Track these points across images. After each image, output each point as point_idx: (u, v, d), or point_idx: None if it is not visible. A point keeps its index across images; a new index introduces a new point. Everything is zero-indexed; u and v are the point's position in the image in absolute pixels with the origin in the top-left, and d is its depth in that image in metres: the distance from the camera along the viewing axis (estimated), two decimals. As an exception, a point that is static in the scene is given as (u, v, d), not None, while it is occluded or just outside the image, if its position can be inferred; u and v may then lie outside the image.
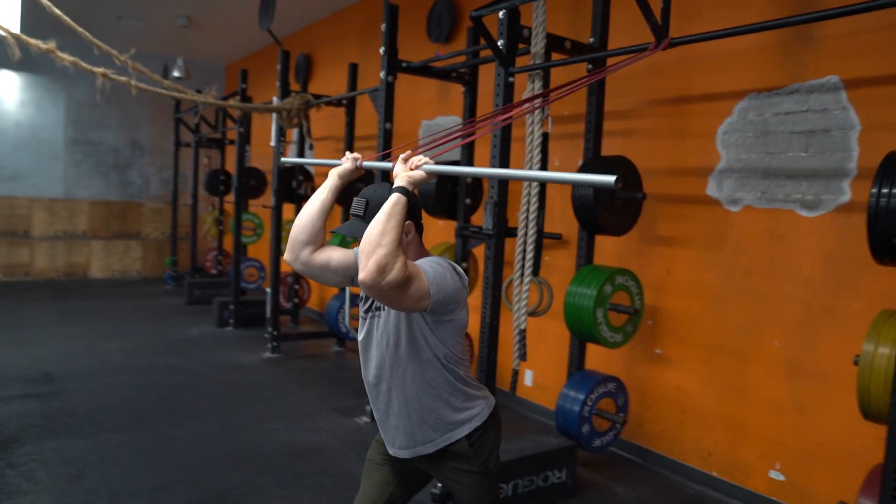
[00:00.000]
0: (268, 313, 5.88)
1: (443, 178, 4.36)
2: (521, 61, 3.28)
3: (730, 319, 3.28)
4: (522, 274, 3.14)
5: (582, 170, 3.26)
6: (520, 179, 1.48)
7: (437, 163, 1.68)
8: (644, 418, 3.69)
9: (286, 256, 1.86)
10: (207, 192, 8.31)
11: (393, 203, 1.56)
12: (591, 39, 3.35)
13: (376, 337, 1.79)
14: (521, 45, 3.17)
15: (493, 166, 3.08)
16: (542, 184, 3.36)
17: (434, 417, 1.79)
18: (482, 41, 3.66)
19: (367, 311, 1.82)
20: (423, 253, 1.83)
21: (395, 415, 1.81)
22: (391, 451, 1.87)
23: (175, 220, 8.95)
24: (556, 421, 3.41)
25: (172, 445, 3.57)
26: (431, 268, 1.65)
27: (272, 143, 5.80)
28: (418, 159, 1.67)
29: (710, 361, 3.37)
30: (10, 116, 8.71)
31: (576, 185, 3.24)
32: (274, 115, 5.57)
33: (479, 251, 4.46)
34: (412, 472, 1.93)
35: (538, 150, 3.05)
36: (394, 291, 1.51)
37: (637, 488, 3.33)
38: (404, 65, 4.02)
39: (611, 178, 1.26)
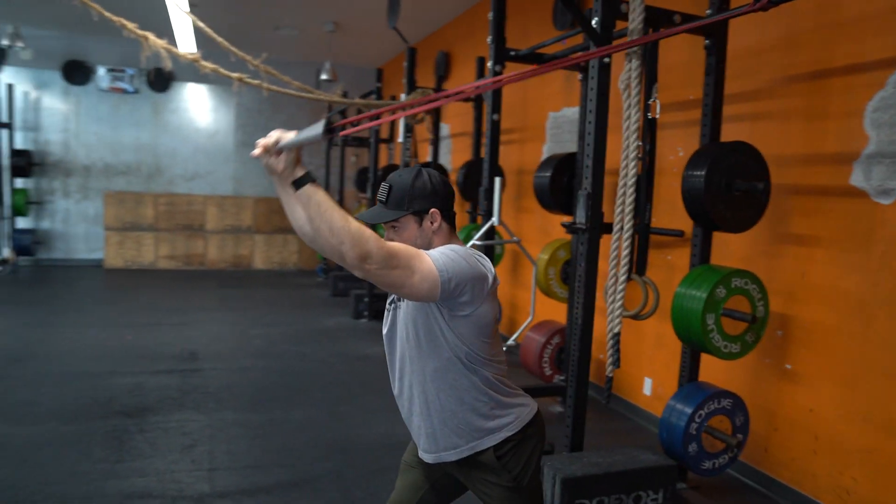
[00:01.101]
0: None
1: (559, 170, 4.15)
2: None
3: (876, 334, 2.74)
4: (618, 272, 2.86)
5: (691, 159, 2.91)
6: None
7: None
8: (771, 442, 3.22)
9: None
10: (356, 188, 8.69)
11: (306, 202, 1.36)
12: (708, 11, 2.97)
13: (399, 329, 1.70)
14: (621, 26, 2.91)
15: (587, 155, 2.85)
16: (649, 175, 3.06)
17: (456, 422, 1.65)
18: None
19: (390, 303, 1.74)
20: (451, 243, 1.68)
21: (416, 414, 1.71)
22: (419, 454, 1.77)
23: (326, 216, 9.53)
24: (660, 437, 3.09)
25: (279, 428, 3.74)
26: (441, 253, 1.52)
27: (399, 140, 5.92)
28: (270, 141, 1.38)
29: (850, 384, 2.85)
30: (192, 123, 9.79)
31: (685, 178, 2.90)
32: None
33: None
34: (444, 477, 1.81)
35: (635, 136, 2.76)
36: (391, 273, 1.41)
37: (753, 522, 2.91)
38: (512, 53, 3.87)
39: (319, 127, 0.97)
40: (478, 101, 5.85)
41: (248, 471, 3.18)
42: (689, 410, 2.96)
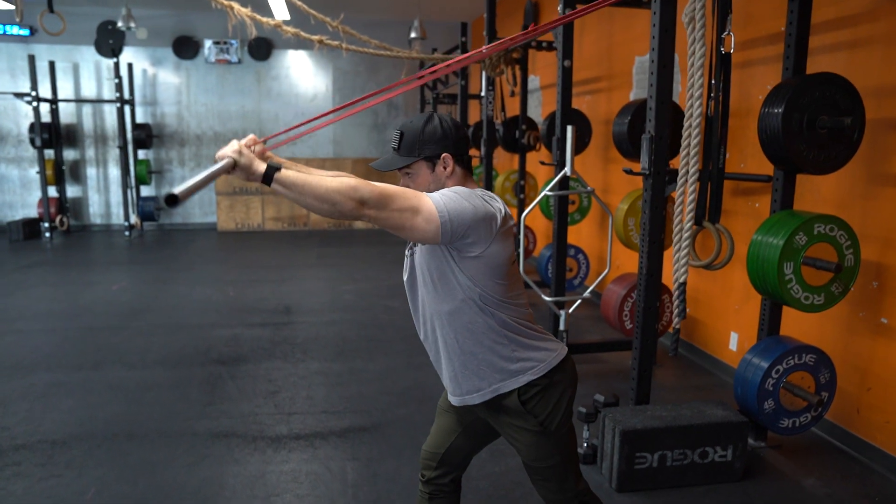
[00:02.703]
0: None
1: (636, 117, 3.96)
2: None
3: None
4: (683, 220, 2.71)
5: (770, 96, 2.67)
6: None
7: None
8: (862, 402, 2.97)
9: None
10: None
11: (284, 190, 1.39)
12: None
13: (418, 275, 1.71)
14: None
15: (650, 96, 2.69)
16: (723, 115, 2.85)
17: (476, 364, 1.66)
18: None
19: (409, 248, 1.75)
20: (467, 186, 1.66)
21: (442, 358, 1.73)
22: (448, 397, 1.80)
23: (420, 175, 9.66)
24: (734, 392, 2.94)
25: (359, 377, 3.91)
26: (443, 195, 1.51)
27: (482, 93, 5.84)
28: (227, 153, 1.39)
29: (954, 337, 2.56)
30: (292, 89, 10.16)
31: (761, 116, 2.67)
32: (481, 65, 5.59)
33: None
34: (476, 421, 1.83)
35: (699, 73, 2.56)
36: (393, 214, 1.43)
37: (834, 485, 2.72)
38: (583, -7, 3.69)
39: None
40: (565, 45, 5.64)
41: (323, 416, 3.36)
42: (765, 365, 2.78)
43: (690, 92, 2.60)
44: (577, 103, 5.75)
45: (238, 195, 9.88)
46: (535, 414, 1.66)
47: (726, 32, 2.77)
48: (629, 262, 4.93)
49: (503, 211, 1.58)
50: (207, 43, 9.70)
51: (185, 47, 9.69)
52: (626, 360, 4.14)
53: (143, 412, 3.38)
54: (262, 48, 9.84)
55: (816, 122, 2.60)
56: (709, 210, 2.95)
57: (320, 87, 10.24)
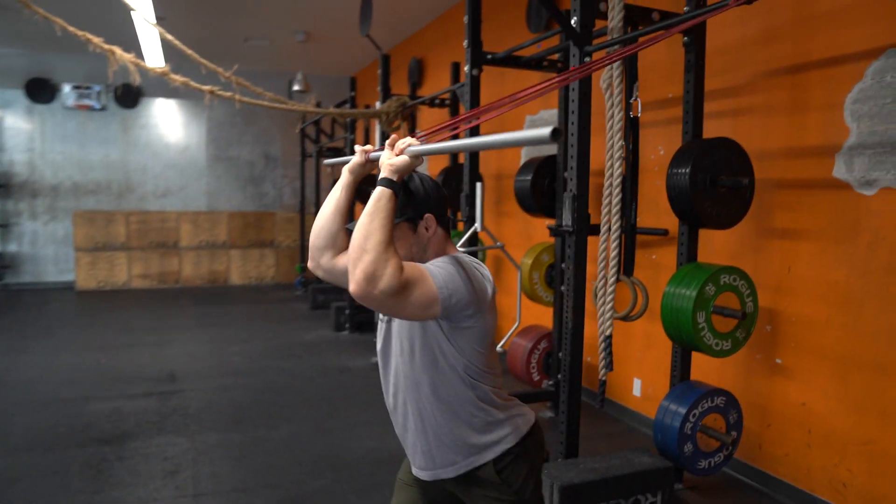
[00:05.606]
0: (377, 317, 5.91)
1: (539, 173, 4.12)
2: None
3: (866, 326, 2.74)
4: (607, 274, 2.83)
5: (675, 157, 2.89)
6: (473, 149, 1.26)
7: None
8: (764, 438, 3.20)
9: (309, 264, 1.73)
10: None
11: (375, 199, 1.37)
12: (686, 8, 2.96)
13: (393, 343, 1.62)
14: (600, 25, 2.88)
15: (571, 157, 2.81)
16: (633, 174, 3.04)
17: (452, 438, 1.58)
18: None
19: (384, 315, 1.66)
20: (447, 250, 1.61)
21: (411, 431, 1.63)
22: (413, 471, 1.70)
23: (303, 229, 9.42)
24: (654, 438, 3.05)
25: (264, 447, 3.63)
26: (441, 269, 1.44)
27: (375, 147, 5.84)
28: (403, 143, 1.45)
29: (841, 376, 2.84)
30: (162, 139, 9.60)
31: (669, 175, 2.87)
32: (377, 120, 5.60)
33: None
34: (441, 494, 1.73)
35: (619, 136, 2.72)
36: (391, 300, 1.32)
37: (752, 520, 2.88)
38: (489, 56, 3.83)
39: (546, 131, 1.04)
40: (453, 105, 5.81)
41: (234, 494, 3.07)
42: (683, 410, 2.92)
43: (610, 153, 2.75)
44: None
45: (101, 251, 9.07)
46: (510, 483, 1.61)
47: (633, 98, 2.98)
48: (530, 315, 5.05)
49: (491, 280, 1.54)
50: (66, 87, 8.97)
51: (40, 90, 8.89)
52: (538, 411, 4.18)
53: (13, 508, 2.91)
54: (130, 95, 9.26)
55: (717, 181, 2.84)
56: (623, 264, 3.10)
57: (193, 138, 9.76)
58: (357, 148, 1.66)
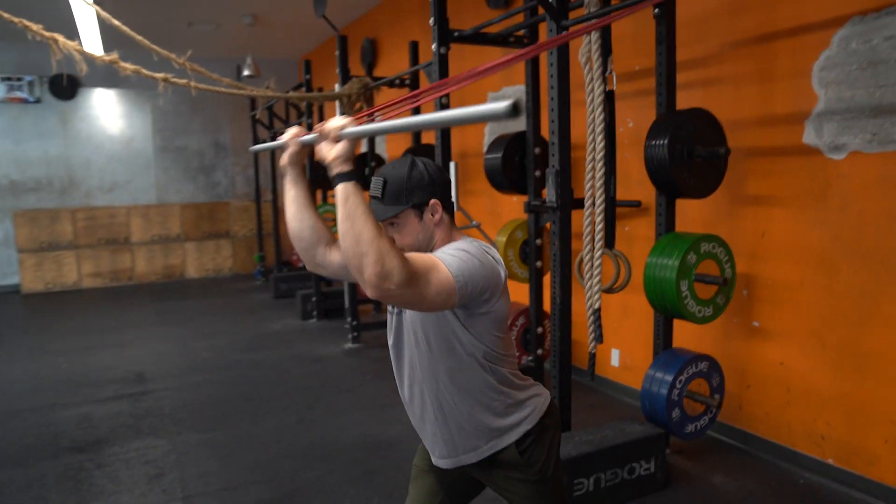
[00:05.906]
0: (346, 303, 5.84)
1: (510, 150, 4.10)
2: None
3: (840, 284, 2.84)
4: (593, 248, 2.85)
5: (652, 129, 2.92)
6: (418, 128, 1.18)
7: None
8: (744, 399, 3.31)
9: (307, 267, 1.66)
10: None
11: (342, 200, 1.26)
12: (656, -20, 2.97)
13: (406, 335, 1.59)
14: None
15: (552, 132, 2.80)
16: (611, 147, 3.05)
17: (474, 424, 1.57)
18: (535, -2, 3.36)
19: (394, 307, 1.62)
20: (453, 236, 1.59)
21: (430, 422, 1.61)
22: (433, 461, 1.68)
23: (259, 217, 9.21)
24: (642, 407, 3.11)
25: (249, 443, 3.56)
26: (453, 256, 1.40)
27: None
28: (334, 128, 1.31)
29: (818, 333, 2.95)
30: (105, 131, 9.18)
31: (647, 147, 2.90)
32: (337, 103, 5.48)
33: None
34: (460, 479, 1.73)
35: (600, 110, 2.73)
36: (409, 290, 1.27)
37: (739, 478, 2.99)
38: (456, 34, 3.78)
39: (502, 105, 0.93)
40: (413, 85, 5.73)
41: (225, 493, 3.00)
42: (669, 378, 2.99)
43: (591, 127, 2.76)
44: (431, 138, 5.86)
45: (47, 251, 8.66)
46: (532, 463, 1.61)
47: (608, 71, 2.98)
48: (502, 290, 5.07)
49: (501, 262, 1.52)
50: (-5, 80, 8.46)
51: (-33, 85, 8.37)
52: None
53: (-10, 526, 2.77)
54: (67, 86, 8.80)
55: (694, 151, 2.89)
56: (605, 237, 3.13)
57: (138, 128, 9.36)
58: (285, 136, 1.54)
